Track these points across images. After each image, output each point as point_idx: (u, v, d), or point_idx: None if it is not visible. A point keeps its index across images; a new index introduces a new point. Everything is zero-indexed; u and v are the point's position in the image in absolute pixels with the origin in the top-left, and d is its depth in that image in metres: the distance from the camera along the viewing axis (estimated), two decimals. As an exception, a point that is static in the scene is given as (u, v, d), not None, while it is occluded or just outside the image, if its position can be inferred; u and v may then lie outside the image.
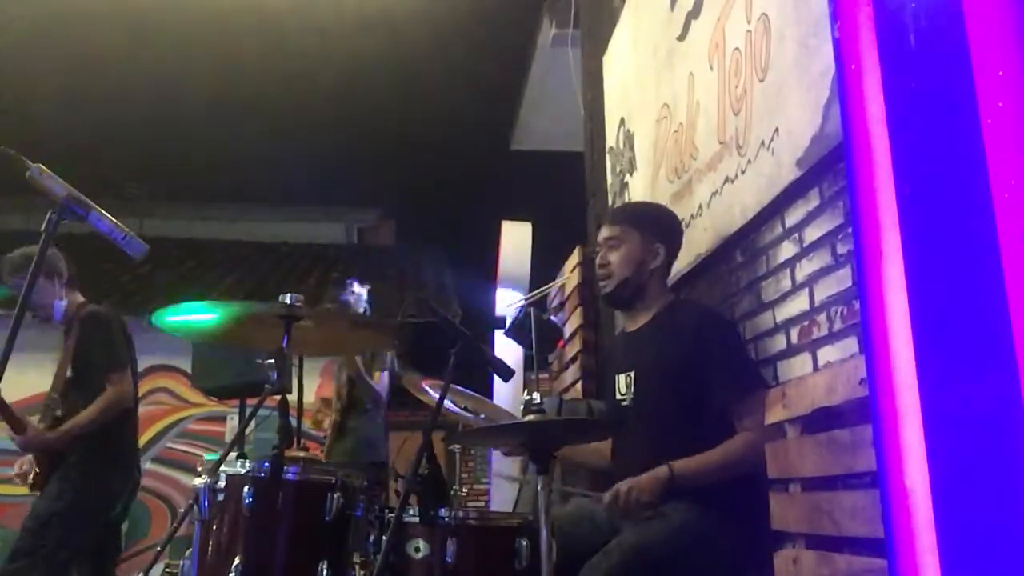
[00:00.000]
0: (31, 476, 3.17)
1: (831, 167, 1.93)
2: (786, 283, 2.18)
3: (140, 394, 3.52)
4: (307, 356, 3.79)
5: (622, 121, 3.83)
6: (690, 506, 2.02)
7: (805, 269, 2.07)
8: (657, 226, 2.38)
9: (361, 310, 4.43)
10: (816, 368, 1.99)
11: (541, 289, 5.10)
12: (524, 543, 1.84)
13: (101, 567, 3.22)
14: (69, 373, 3.16)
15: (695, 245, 2.78)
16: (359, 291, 4.50)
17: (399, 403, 5.03)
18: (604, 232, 2.37)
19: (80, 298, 3.32)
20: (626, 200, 3.67)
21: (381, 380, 4.48)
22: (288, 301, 1.93)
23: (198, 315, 2.06)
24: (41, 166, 1.62)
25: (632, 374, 2.27)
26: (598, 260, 2.37)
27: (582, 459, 2.54)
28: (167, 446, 8.72)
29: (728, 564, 2.02)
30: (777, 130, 2.19)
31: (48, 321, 3.24)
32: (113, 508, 3.17)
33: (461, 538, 1.82)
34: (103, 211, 1.67)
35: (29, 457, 3.24)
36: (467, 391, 2.56)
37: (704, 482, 2.04)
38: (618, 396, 2.31)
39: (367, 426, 4.49)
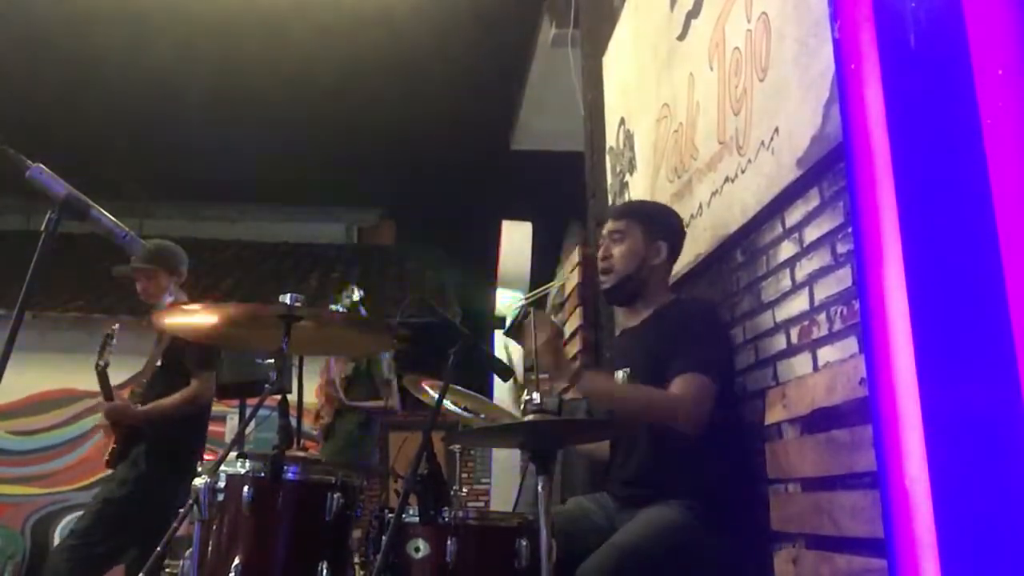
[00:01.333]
0: (107, 452, 3.37)
1: (831, 167, 1.93)
2: (786, 283, 2.18)
3: None
4: (308, 356, 3.79)
5: (622, 121, 3.83)
6: (683, 505, 2.02)
7: (805, 269, 2.07)
8: (661, 224, 2.39)
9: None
10: (816, 368, 1.99)
11: (541, 289, 5.10)
12: (524, 543, 1.84)
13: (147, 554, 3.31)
14: (159, 363, 3.40)
15: (695, 245, 2.78)
16: (356, 296, 4.51)
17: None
18: (608, 226, 2.38)
19: (185, 298, 3.53)
20: (626, 200, 3.67)
21: (391, 390, 4.49)
22: (288, 301, 1.93)
23: (198, 317, 2.06)
24: (41, 165, 1.62)
25: (628, 370, 2.28)
26: (600, 252, 2.37)
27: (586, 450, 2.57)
28: (167, 446, 8.72)
29: (721, 563, 2.01)
30: (777, 130, 2.19)
31: (149, 308, 3.47)
32: (169, 507, 3.26)
33: (461, 538, 1.82)
34: (103, 210, 1.67)
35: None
36: (467, 391, 2.56)
37: (599, 398, 2.16)
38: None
39: (356, 428, 4.49)
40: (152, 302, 3.49)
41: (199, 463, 3.35)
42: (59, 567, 3.09)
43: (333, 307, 4.37)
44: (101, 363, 3.40)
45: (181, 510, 2.89)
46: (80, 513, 3.31)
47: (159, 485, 3.20)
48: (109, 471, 3.35)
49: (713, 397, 2.05)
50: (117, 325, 3.49)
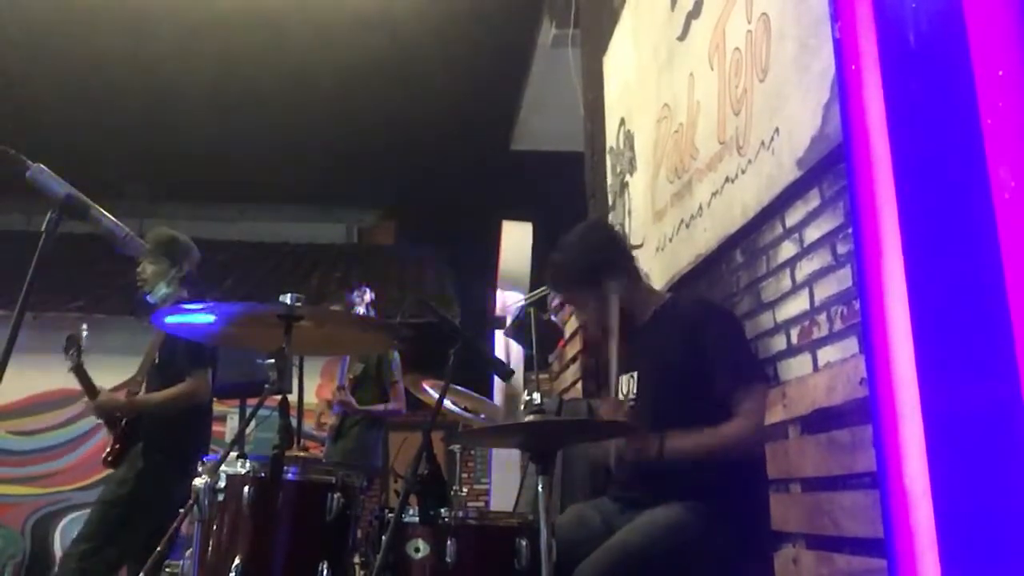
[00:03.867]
0: (107, 452, 3.34)
1: (831, 167, 1.93)
2: (786, 283, 2.18)
3: None
4: (308, 356, 3.80)
5: (622, 121, 3.83)
6: (685, 506, 2.02)
7: (805, 269, 2.07)
8: (595, 269, 2.27)
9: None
10: (816, 368, 1.99)
11: (541, 289, 5.10)
12: (524, 543, 1.84)
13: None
14: (156, 360, 3.37)
15: (695, 245, 2.78)
16: (368, 298, 4.55)
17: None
18: (559, 298, 2.37)
19: (184, 294, 3.45)
20: (625, 201, 3.67)
21: (398, 392, 4.51)
22: (288, 301, 1.92)
23: (198, 316, 2.06)
24: (41, 165, 1.62)
25: (635, 374, 2.27)
26: (579, 322, 2.38)
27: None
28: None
29: (722, 562, 2.01)
30: (777, 130, 2.19)
31: (141, 289, 3.46)
32: (172, 505, 3.22)
33: (461, 538, 1.82)
34: (103, 211, 1.68)
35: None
36: (467, 391, 2.56)
37: (692, 460, 2.04)
38: (621, 397, 2.31)
39: (364, 430, 4.51)
40: (146, 289, 3.45)
41: (198, 461, 3.33)
42: (71, 574, 3.04)
43: (348, 308, 4.40)
44: (72, 364, 3.35)
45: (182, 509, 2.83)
46: (84, 518, 3.27)
47: (159, 483, 3.16)
48: (110, 471, 3.32)
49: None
50: (85, 326, 3.40)
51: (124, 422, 3.33)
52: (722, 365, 2.10)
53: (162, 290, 3.42)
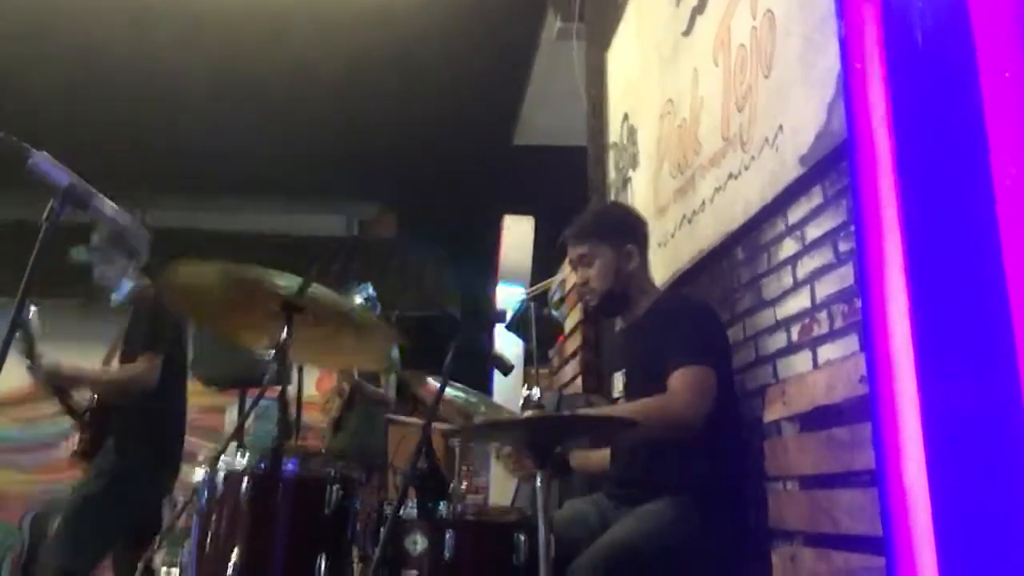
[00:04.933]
0: (77, 444, 3.23)
1: (834, 165, 1.93)
2: (787, 280, 2.17)
3: None
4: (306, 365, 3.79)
5: (625, 116, 3.82)
6: (677, 502, 2.02)
7: (806, 266, 2.07)
8: (623, 229, 2.34)
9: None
10: (816, 366, 1.99)
11: (542, 284, 5.10)
12: (522, 538, 1.84)
13: (136, 545, 3.22)
14: (121, 349, 3.26)
15: (697, 241, 2.78)
16: (371, 295, 4.57)
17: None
18: (572, 252, 2.34)
19: (147, 282, 3.31)
20: (627, 197, 3.67)
21: (389, 382, 4.54)
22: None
23: (199, 275, 2.03)
24: (44, 153, 1.61)
25: (625, 371, 2.28)
26: (577, 279, 2.35)
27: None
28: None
29: (714, 559, 2.01)
30: (781, 127, 2.18)
31: (107, 293, 3.32)
32: (149, 498, 3.21)
33: (459, 533, 1.82)
34: (106, 200, 1.67)
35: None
36: (465, 388, 2.56)
37: (608, 425, 2.06)
38: (616, 395, 2.32)
39: (364, 423, 4.53)
40: (107, 286, 3.30)
41: (177, 453, 3.30)
42: (50, 568, 3.02)
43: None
44: (31, 362, 3.03)
45: (163, 500, 2.83)
46: (63, 512, 3.16)
47: (134, 476, 3.10)
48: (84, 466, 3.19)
49: (714, 386, 2.03)
50: (34, 309, 3.03)
51: (87, 413, 3.20)
52: (669, 345, 2.07)
53: (127, 286, 3.28)
